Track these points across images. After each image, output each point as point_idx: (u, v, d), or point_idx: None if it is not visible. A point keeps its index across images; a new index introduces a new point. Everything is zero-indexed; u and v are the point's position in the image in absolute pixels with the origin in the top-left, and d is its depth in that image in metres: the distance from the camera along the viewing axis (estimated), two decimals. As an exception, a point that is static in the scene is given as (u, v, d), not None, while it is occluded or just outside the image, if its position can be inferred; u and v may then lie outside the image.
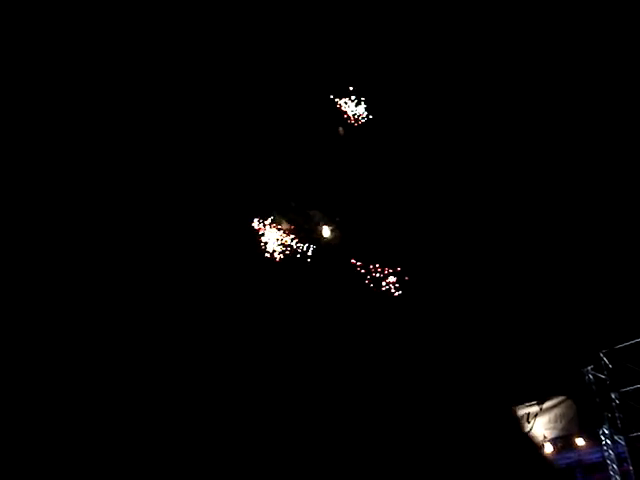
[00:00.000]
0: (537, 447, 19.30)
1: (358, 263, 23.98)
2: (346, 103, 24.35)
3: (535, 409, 19.15)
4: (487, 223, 23.10)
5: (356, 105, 24.49)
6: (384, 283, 23.62)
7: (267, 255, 23.87)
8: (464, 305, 21.98)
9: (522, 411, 19.32)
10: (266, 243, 23.93)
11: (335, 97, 24.09)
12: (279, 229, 24.37)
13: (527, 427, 19.14)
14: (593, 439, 18.51)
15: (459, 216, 23.67)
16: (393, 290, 23.31)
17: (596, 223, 20.81)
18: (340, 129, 24.79)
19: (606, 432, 18.49)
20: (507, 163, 23.10)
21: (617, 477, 18.07)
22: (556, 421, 19.00)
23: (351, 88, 24.40)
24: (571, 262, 21.03)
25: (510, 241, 22.17)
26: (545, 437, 18.96)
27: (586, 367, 19.11)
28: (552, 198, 22.60)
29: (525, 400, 19.36)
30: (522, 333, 20.87)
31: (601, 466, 18.33)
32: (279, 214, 24.38)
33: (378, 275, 23.88)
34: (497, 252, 22.29)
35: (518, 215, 22.76)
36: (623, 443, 18.32)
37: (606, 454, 18.19)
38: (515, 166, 23.00)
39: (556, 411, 19.07)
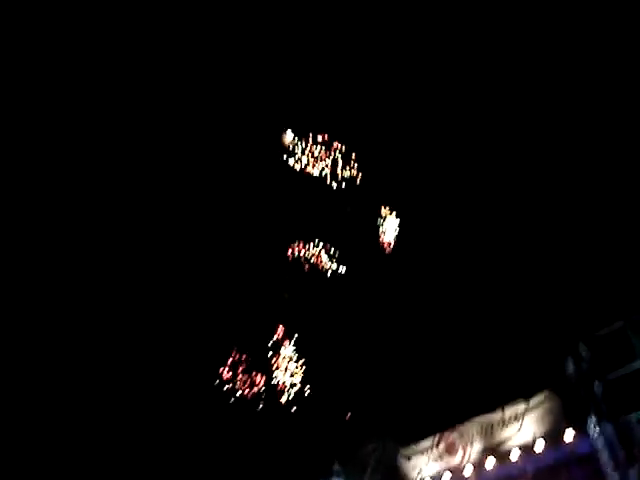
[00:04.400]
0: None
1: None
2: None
3: (522, 407, 19.19)
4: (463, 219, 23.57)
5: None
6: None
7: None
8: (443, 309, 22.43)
9: (509, 411, 19.40)
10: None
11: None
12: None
13: (517, 426, 19.22)
14: (582, 430, 18.52)
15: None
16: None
17: (569, 216, 21.00)
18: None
19: (593, 421, 18.53)
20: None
21: (609, 466, 18.09)
22: (544, 418, 19.03)
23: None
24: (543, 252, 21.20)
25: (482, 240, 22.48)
26: (535, 434, 19.01)
27: (566, 358, 19.18)
28: (530, 193, 22.76)
29: (511, 399, 19.44)
30: (499, 331, 21.04)
31: (592, 457, 18.33)
32: None
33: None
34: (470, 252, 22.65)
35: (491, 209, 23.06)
36: (612, 431, 18.35)
37: (595, 443, 18.22)
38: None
39: (543, 407, 19.09)
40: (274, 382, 28.68)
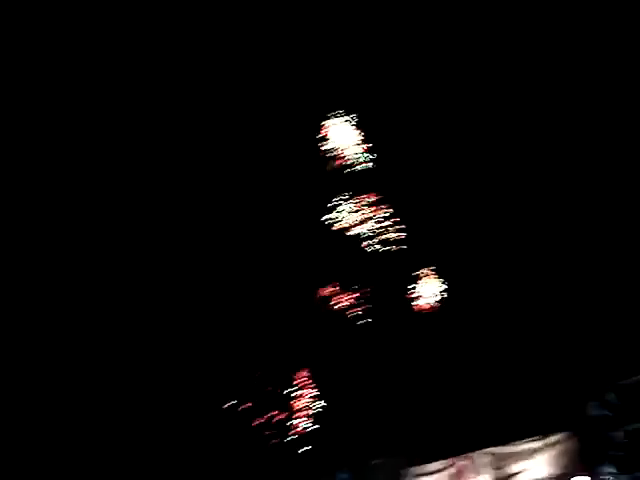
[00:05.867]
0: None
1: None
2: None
3: (538, 444, 18.89)
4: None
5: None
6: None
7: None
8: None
9: (524, 446, 19.07)
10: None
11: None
12: None
13: (529, 463, 18.84)
14: (595, 478, 18.10)
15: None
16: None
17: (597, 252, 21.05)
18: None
19: (609, 471, 18.12)
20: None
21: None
22: (558, 458, 18.67)
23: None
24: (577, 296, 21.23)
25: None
26: (547, 473, 18.61)
27: (591, 403, 18.95)
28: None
29: (527, 435, 19.14)
30: (528, 365, 20.94)
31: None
32: None
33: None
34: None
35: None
36: (627, 482, 17.91)
37: (608, 491, 17.79)
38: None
39: (559, 448, 18.77)
40: (289, 422, 28.47)
